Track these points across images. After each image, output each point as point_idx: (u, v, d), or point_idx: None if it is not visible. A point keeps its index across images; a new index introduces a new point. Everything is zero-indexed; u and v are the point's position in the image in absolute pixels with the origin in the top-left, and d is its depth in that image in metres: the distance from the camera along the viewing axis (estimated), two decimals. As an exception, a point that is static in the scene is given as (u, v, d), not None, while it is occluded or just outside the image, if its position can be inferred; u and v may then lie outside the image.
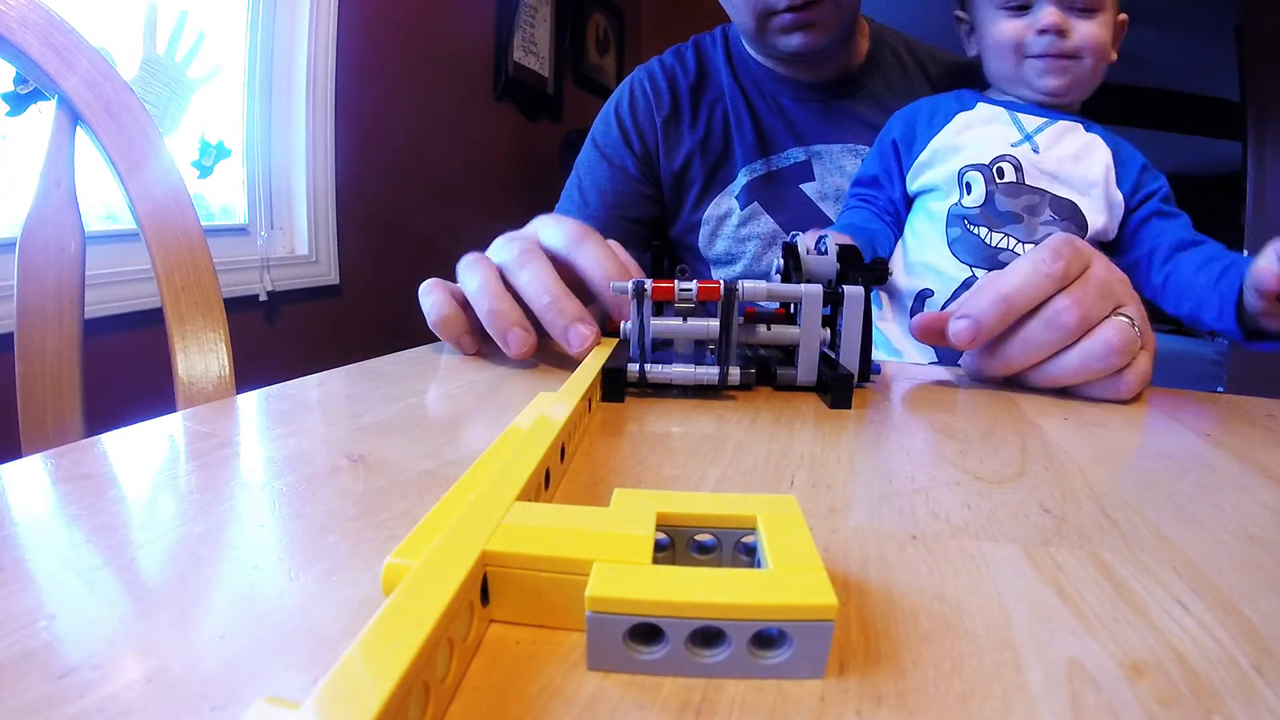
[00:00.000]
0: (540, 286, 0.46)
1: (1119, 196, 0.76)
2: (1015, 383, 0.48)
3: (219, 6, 1.61)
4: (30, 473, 0.29)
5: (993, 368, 0.47)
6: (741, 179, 0.92)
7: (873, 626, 0.18)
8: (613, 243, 0.51)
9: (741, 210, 0.92)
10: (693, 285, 0.42)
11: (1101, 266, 0.46)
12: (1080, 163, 0.75)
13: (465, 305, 0.52)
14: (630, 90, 0.97)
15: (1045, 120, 0.77)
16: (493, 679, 0.16)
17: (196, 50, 1.50)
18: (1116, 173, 0.75)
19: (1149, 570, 0.22)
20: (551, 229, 0.51)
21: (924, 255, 0.79)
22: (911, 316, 0.78)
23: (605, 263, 0.47)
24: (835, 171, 0.91)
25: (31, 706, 0.15)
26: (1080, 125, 0.77)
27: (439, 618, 0.15)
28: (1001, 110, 0.78)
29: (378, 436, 0.34)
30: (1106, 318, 0.44)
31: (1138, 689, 0.16)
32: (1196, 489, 0.30)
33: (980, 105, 0.80)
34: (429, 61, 2.19)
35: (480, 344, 0.53)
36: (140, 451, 0.32)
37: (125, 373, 1.18)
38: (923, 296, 0.79)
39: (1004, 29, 0.76)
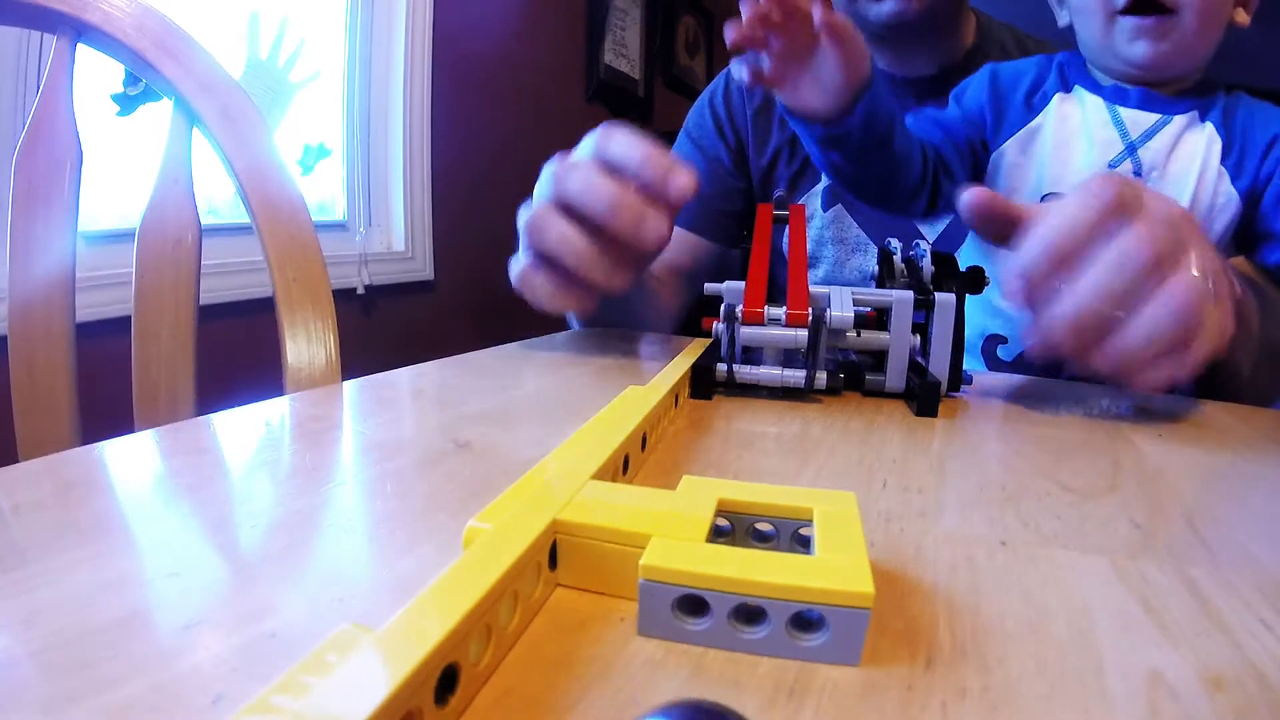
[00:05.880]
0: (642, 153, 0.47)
1: (1235, 194, 0.61)
2: (1094, 392, 0.48)
3: (318, 13, 1.68)
4: (145, 447, 0.32)
5: (1056, 332, 0.39)
6: (825, 179, 0.89)
7: (960, 625, 0.19)
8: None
9: (824, 213, 0.89)
10: (781, 312, 0.43)
11: (1158, 199, 0.40)
12: (1198, 182, 0.61)
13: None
14: (726, 81, 0.95)
15: (1158, 119, 0.62)
16: (552, 633, 0.18)
17: (297, 55, 1.56)
18: (1231, 167, 0.61)
19: (1234, 588, 0.22)
20: (581, 145, 0.51)
21: (997, 294, 0.67)
22: (983, 358, 0.70)
23: (634, 148, 0.48)
24: None
25: (159, 655, 0.17)
26: (1195, 113, 0.62)
27: (506, 570, 0.17)
28: (1100, 105, 0.64)
29: (481, 425, 0.36)
30: (1178, 265, 0.38)
31: (1215, 701, 0.17)
32: (1293, 511, 0.30)
33: (1079, 91, 0.66)
34: (522, 64, 2.24)
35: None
36: (255, 430, 0.35)
37: (232, 357, 1.24)
38: (994, 341, 0.69)
39: None
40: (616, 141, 0.49)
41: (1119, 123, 0.64)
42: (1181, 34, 0.59)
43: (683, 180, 0.47)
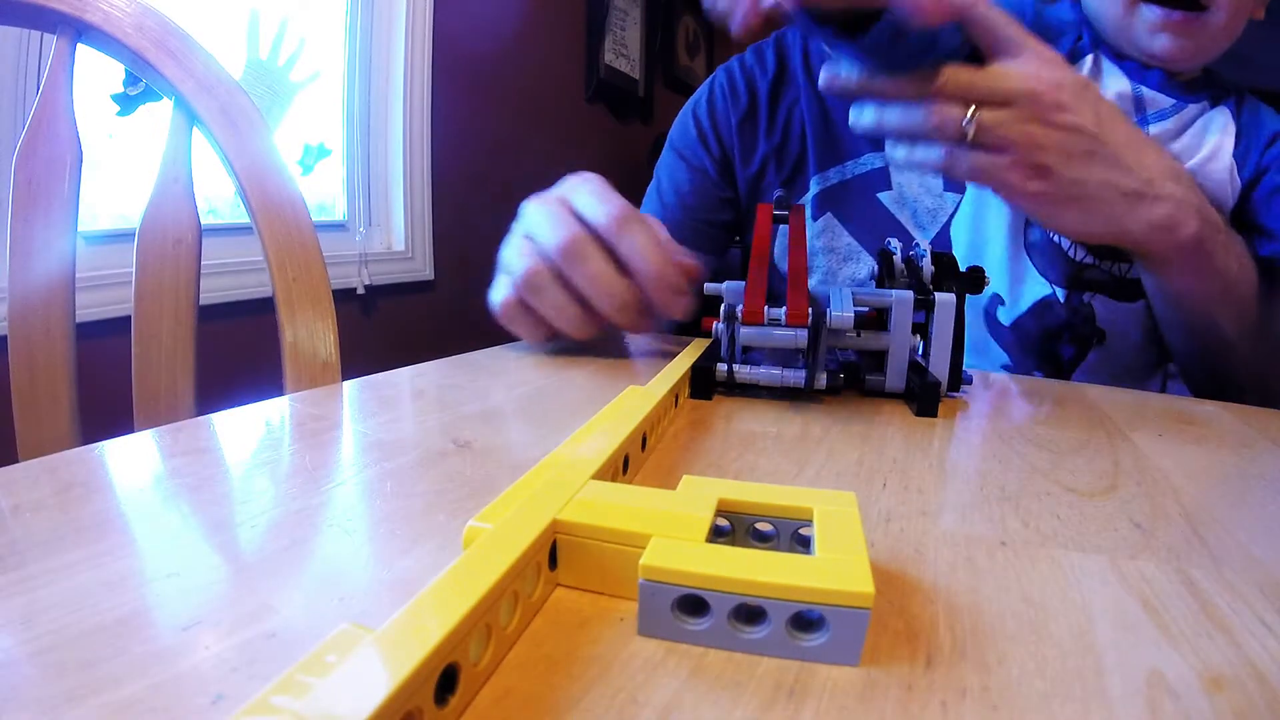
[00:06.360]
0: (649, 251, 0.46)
1: (1239, 184, 0.61)
2: (1106, 396, 0.48)
3: (318, 13, 1.69)
4: (145, 447, 0.32)
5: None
6: (813, 188, 0.87)
7: (960, 625, 0.19)
8: (654, 222, 0.49)
9: (814, 222, 0.87)
10: (781, 312, 0.43)
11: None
12: (1204, 165, 0.61)
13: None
14: (710, 91, 0.94)
15: (1172, 104, 0.62)
16: (552, 633, 0.18)
17: (298, 56, 1.56)
18: (1239, 158, 0.61)
19: (1235, 588, 0.22)
20: (589, 201, 0.49)
21: (995, 251, 0.67)
22: (985, 320, 0.69)
23: (649, 253, 0.47)
24: (914, 179, 0.84)
25: (159, 655, 0.17)
26: (1205, 101, 0.62)
27: (506, 570, 0.17)
28: (1123, 79, 0.62)
29: (482, 424, 0.36)
30: None
31: (1215, 701, 0.17)
32: (1294, 511, 0.30)
33: (1097, 59, 0.64)
34: (522, 64, 2.24)
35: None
36: (255, 430, 0.35)
37: (232, 357, 1.24)
38: (994, 303, 0.69)
39: None
40: (628, 237, 0.47)
41: (1139, 97, 0.63)
42: (1208, 32, 0.58)
43: (683, 306, 0.48)
